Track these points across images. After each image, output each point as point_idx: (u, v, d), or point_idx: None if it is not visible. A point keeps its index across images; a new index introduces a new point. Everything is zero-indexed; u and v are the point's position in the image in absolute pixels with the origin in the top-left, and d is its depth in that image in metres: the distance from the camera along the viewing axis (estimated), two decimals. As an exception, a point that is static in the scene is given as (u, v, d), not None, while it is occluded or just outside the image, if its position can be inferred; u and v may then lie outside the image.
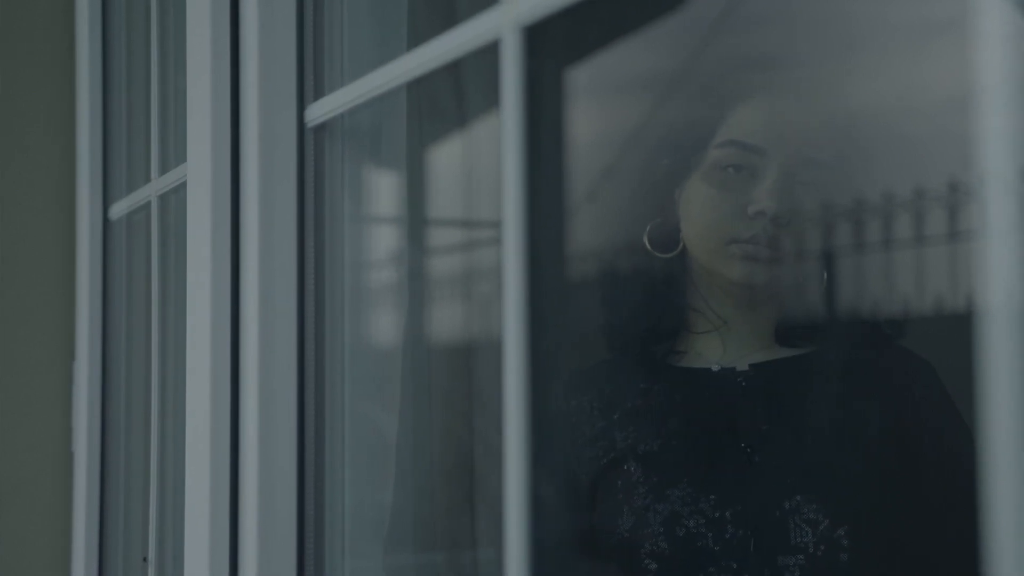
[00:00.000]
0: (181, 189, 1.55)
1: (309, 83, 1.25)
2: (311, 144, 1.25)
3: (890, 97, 1.53)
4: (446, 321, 1.56)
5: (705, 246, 1.26)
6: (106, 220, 2.04)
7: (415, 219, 1.54)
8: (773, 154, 1.22)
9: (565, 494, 1.28)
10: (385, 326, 1.46)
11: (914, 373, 1.27)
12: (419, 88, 1.46)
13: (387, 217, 1.49)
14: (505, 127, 0.82)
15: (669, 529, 1.20)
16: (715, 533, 1.19)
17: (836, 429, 1.21)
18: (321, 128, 1.25)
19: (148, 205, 1.78)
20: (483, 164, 1.49)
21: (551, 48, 0.85)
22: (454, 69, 1.47)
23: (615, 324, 1.33)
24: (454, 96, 1.50)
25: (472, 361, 1.55)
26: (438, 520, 1.52)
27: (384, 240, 1.48)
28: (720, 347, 1.29)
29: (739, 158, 1.23)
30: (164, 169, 1.71)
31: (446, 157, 1.58)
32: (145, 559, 1.78)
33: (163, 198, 1.71)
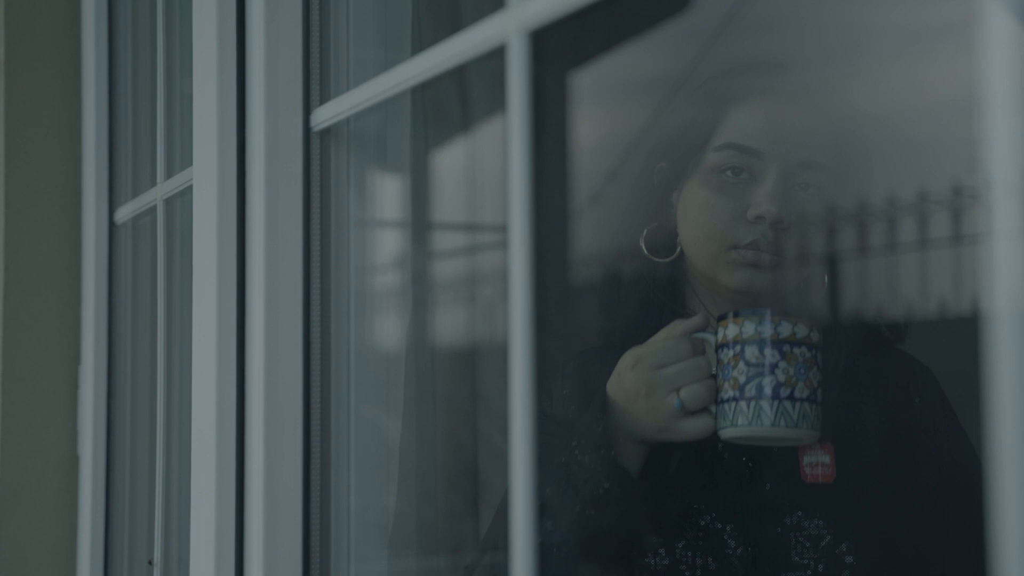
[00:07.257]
0: (187, 193, 1.55)
1: (315, 87, 1.25)
2: (317, 148, 1.25)
3: (891, 100, 1.53)
4: (450, 325, 1.56)
5: (704, 251, 1.22)
6: (112, 224, 2.05)
7: (420, 223, 1.54)
8: (772, 157, 1.19)
9: (561, 501, 1.26)
10: (390, 330, 1.46)
11: (914, 380, 1.25)
12: (424, 92, 1.46)
13: (392, 221, 1.49)
14: (511, 131, 0.82)
15: (669, 544, 1.17)
16: (714, 549, 1.16)
17: (837, 439, 1.19)
18: (327, 132, 1.25)
19: (154, 209, 1.79)
20: (488, 168, 1.49)
21: (556, 53, 0.85)
22: (459, 73, 1.48)
23: (612, 328, 1.29)
24: (459, 100, 1.50)
25: (476, 365, 1.55)
26: (442, 524, 1.52)
27: (389, 244, 1.48)
28: None
29: (737, 161, 1.20)
30: (170, 173, 1.71)
31: (451, 161, 1.58)
32: (151, 562, 1.78)
33: (169, 202, 1.71)
